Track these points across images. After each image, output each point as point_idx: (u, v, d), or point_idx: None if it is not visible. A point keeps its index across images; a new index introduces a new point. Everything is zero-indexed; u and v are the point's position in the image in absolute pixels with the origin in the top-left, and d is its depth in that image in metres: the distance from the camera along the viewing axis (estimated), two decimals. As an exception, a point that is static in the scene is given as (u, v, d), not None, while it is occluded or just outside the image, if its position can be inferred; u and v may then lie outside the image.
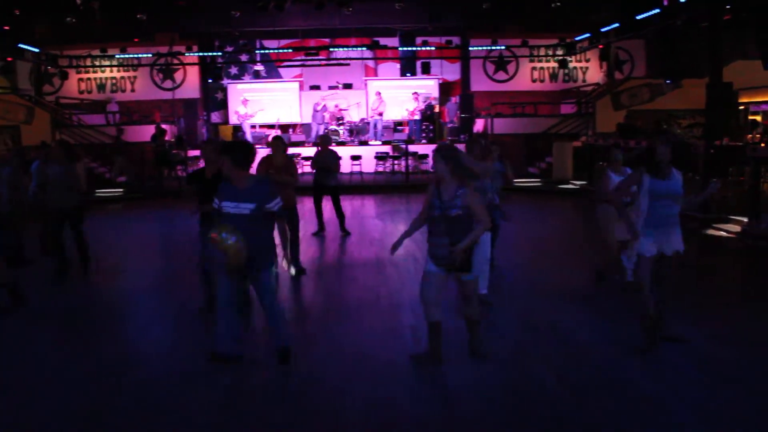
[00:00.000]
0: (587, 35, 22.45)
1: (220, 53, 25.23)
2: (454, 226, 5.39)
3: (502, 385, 5.42)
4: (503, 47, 24.16)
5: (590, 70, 25.14)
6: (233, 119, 24.37)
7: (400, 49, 24.42)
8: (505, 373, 5.66)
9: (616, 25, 20.21)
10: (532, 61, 24.94)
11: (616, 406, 4.99)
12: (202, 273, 7.26)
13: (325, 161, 12.13)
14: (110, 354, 6.28)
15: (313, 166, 12.50)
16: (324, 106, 23.70)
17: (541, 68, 25.27)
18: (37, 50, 22.47)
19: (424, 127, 23.36)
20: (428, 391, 5.35)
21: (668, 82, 20.73)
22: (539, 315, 7.32)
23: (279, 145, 9.23)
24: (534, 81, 25.36)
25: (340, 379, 5.57)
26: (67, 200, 9.14)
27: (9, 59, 22.24)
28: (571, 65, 24.56)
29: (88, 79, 25.11)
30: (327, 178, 12.12)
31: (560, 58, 23.93)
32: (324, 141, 12.67)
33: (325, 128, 23.23)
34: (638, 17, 18.43)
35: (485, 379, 5.50)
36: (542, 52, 24.43)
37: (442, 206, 5.42)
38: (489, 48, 24.35)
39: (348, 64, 24.42)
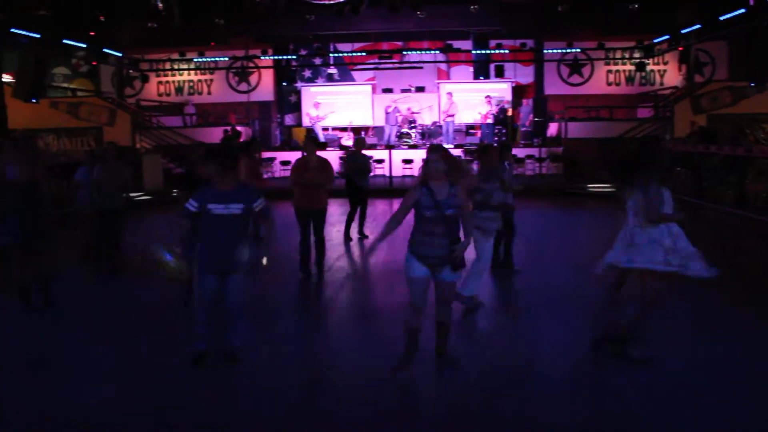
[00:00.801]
0: (666, 37, 21.84)
1: (294, 56, 25.59)
2: (452, 226, 5.35)
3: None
4: (578, 50, 23.77)
5: (668, 73, 24.48)
6: (306, 122, 24.68)
7: (473, 52, 24.30)
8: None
9: (698, 26, 19.59)
10: (607, 63, 24.43)
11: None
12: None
13: (359, 164, 12.17)
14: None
15: (345, 168, 12.46)
16: (396, 108, 23.78)
17: (617, 71, 24.73)
18: (119, 54, 23.24)
19: (496, 130, 23.16)
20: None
21: (752, 85, 19.99)
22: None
23: (311, 143, 9.23)
24: (609, 84, 24.82)
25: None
26: (116, 201, 9.34)
27: (94, 63, 23.03)
28: (648, 68, 23.95)
29: (167, 82, 25.77)
30: (361, 179, 12.11)
31: (637, 60, 23.37)
32: (359, 144, 12.76)
33: (398, 130, 23.31)
34: (721, 18, 17.83)
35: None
36: (618, 54, 23.92)
37: (437, 206, 5.30)
38: (563, 51, 23.98)
39: (421, 68, 24.45)
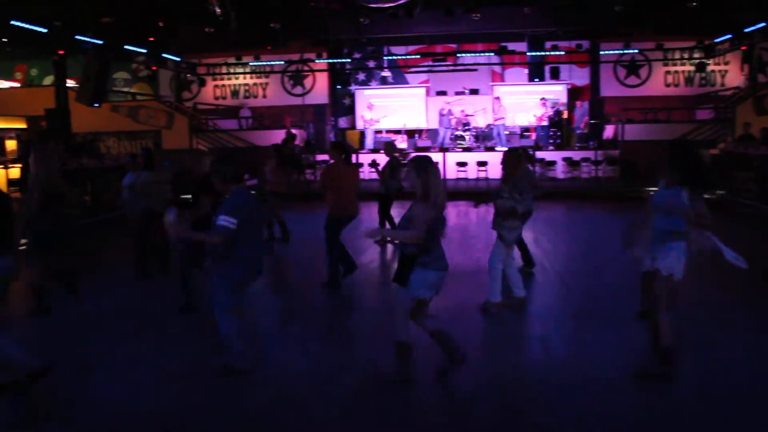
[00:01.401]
0: (728, 36, 21.30)
1: (348, 60, 25.75)
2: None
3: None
4: (635, 50, 23.37)
5: (730, 73, 23.87)
6: (360, 125, 24.79)
7: (528, 54, 24.09)
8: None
9: (762, 24, 19.05)
10: (666, 64, 23.96)
11: None
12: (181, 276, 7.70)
13: (394, 170, 12.06)
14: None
15: (380, 174, 12.35)
16: (449, 110, 23.76)
17: (676, 72, 24.24)
18: (178, 59, 23.70)
19: (551, 133, 22.93)
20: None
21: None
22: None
23: (333, 150, 9.22)
24: (668, 85, 24.34)
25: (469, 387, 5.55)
26: (155, 204, 9.36)
27: (153, 68, 23.54)
28: (708, 68, 23.39)
29: (223, 85, 26.15)
30: (394, 185, 12.02)
31: (698, 61, 22.84)
32: (389, 149, 12.71)
33: (452, 133, 23.27)
34: (788, 16, 17.33)
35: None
36: (677, 54, 23.44)
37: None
38: (620, 51, 23.60)
39: (475, 70, 24.35)
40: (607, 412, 5.02)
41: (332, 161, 9.16)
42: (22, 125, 22.95)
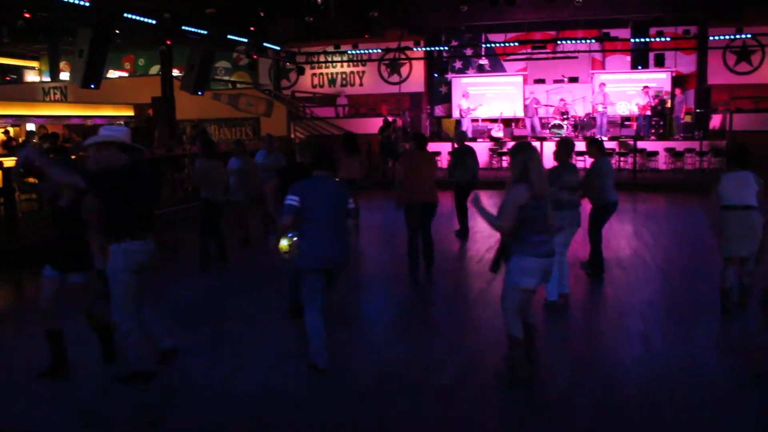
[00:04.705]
0: None
1: (446, 48, 25.60)
2: None
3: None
4: (748, 35, 22.24)
5: None
6: (456, 113, 24.66)
7: (631, 40, 23.28)
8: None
9: None
10: (780, 50, 22.75)
11: None
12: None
13: (463, 159, 11.67)
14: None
15: (450, 164, 12.03)
16: (534, 99, 23.46)
17: (792, 58, 22.97)
18: (278, 48, 24.16)
19: (654, 122, 22.18)
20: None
21: None
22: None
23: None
24: (782, 72, 23.11)
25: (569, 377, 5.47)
26: (218, 194, 9.48)
27: (255, 57, 24.08)
28: (828, 53, 22.05)
29: (321, 74, 26.50)
30: (465, 175, 11.61)
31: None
32: (459, 137, 12.46)
33: (539, 121, 23.00)
34: None
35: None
36: (794, 39, 22.18)
37: None
38: (731, 37, 22.49)
39: (576, 57, 23.77)
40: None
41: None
42: (130, 113, 23.96)
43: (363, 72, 26.13)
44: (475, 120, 24.12)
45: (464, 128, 22.61)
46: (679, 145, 20.71)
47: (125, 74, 30.37)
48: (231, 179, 10.52)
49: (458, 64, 26.05)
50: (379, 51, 24.81)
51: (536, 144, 20.44)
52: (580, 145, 20.63)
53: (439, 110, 26.22)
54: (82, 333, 5.82)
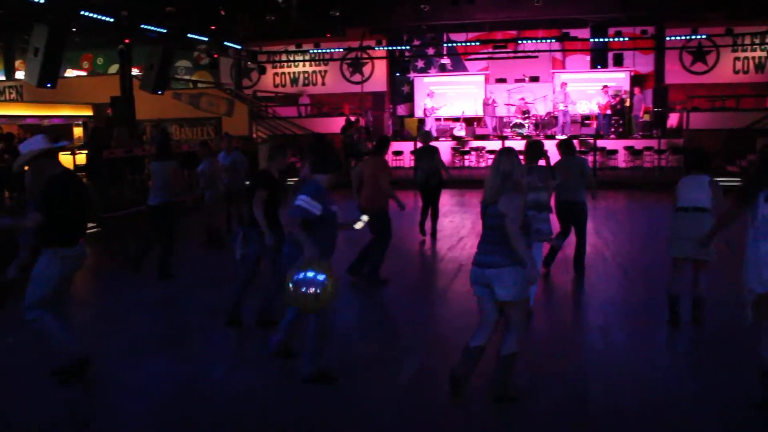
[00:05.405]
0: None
1: (407, 47, 25.64)
2: None
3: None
4: (703, 36, 22.66)
5: (803, 60, 23.02)
6: (419, 112, 24.70)
7: (591, 40, 23.57)
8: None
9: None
10: (735, 50, 23.19)
11: None
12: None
13: (428, 158, 11.72)
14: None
15: (415, 164, 12.14)
16: (493, 100, 23.66)
17: (746, 58, 23.46)
18: (239, 47, 23.97)
19: (613, 121, 22.47)
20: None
21: None
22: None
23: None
24: (737, 72, 23.59)
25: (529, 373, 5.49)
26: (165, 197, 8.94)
27: (215, 56, 23.86)
28: (781, 54, 22.58)
29: (283, 73, 26.38)
30: (432, 175, 11.64)
31: (769, 46, 22.07)
32: (424, 137, 12.55)
33: (498, 121, 23.20)
34: None
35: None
36: (748, 40, 22.65)
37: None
38: (687, 37, 22.90)
39: (536, 57, 23.98)
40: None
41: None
42: (89, 113, 23.57)
43: (325, 71, 26.07)
44: (438, 119, 24.20)
45: (428, 127, 22.63)
46: (638, 144, 21.01)
47: (84, 73, 29.84)
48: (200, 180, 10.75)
49: (420, 64, 26.11)
50: (341, 50, 24.79)
51: (497, 144, 20.74)
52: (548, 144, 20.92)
53: (401, 110, 26.24)
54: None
